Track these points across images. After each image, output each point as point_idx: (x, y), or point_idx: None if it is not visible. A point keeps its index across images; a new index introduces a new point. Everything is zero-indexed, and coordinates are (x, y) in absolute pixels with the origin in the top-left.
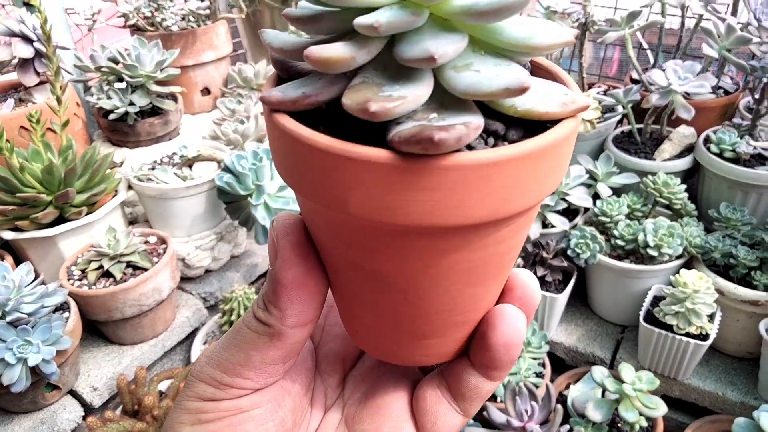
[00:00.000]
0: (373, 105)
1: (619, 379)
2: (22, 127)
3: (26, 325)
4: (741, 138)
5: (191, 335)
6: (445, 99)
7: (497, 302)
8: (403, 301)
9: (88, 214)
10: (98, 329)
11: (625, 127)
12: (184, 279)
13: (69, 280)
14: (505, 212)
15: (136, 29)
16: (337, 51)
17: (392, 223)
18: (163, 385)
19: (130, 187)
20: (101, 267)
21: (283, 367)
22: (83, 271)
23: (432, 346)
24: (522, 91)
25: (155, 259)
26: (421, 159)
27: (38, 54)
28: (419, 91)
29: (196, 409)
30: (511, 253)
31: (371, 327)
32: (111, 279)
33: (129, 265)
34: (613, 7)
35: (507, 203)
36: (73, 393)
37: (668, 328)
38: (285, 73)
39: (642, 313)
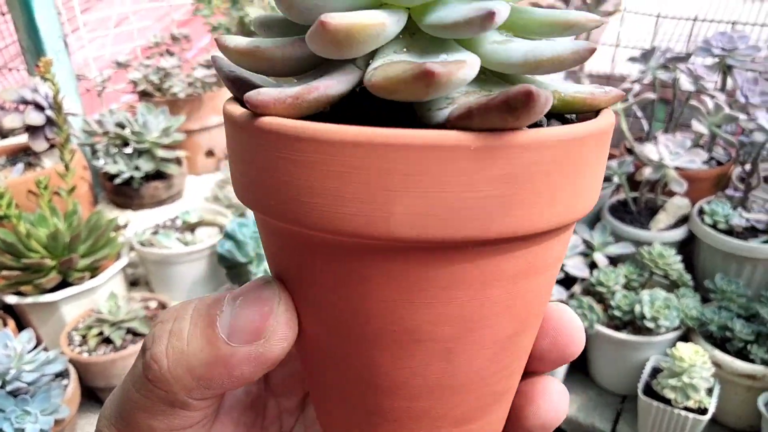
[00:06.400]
0: (434, 66)
1: None
2: (29, 191)
3: (25, 394)
4: (734, 209)
5: None
6: (487, 79)
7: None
8: (446, 367)
9: (91, 278)
10: (97, 395)
11: (621, 196)
12: None
13: (69, 345)
14: (569, 215)
15: (144, 95)
16: (365, 17)
17: (444, 238)
18: None
19: (131, 249)
20: (101, 333)
21: (209, 419)
22: (84, 336)
23: None
24: (591, 51)
25: None
26: (494, 136)
27: (49, 121)
28: (472, 59)
29: None
30: (551, 285)
31: (397, 418)
32: (111, 345)
33: (129, 331)
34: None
35: (575, 201)
36: None
37: (667, 401)
38: (242, 92)
39: (641, 386)
